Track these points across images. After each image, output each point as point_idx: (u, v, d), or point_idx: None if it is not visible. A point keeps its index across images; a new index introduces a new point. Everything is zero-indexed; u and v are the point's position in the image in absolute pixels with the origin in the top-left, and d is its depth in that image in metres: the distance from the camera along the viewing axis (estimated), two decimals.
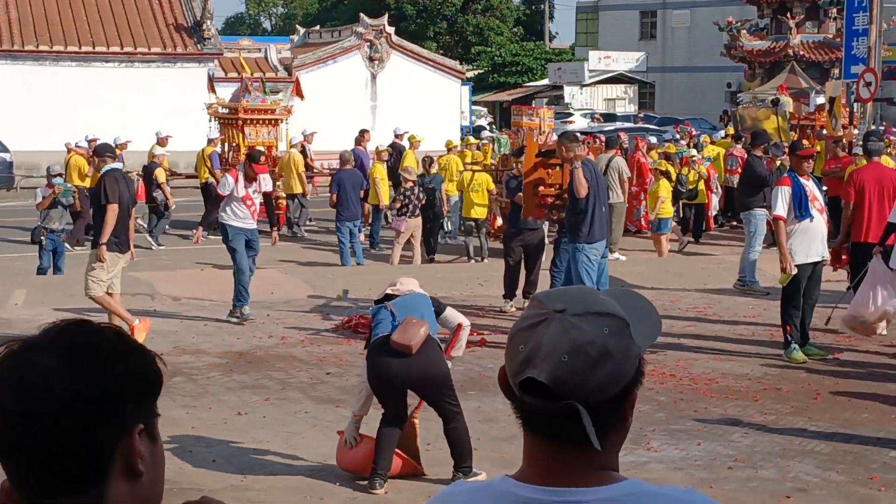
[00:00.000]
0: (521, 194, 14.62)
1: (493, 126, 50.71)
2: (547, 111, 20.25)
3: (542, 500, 1.95)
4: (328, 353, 12.27)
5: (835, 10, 44.02)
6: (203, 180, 23.34)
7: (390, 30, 41.38)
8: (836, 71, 37.67)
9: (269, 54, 39.54)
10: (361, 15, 42.59)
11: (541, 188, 13.79)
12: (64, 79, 36.01)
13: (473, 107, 55.42)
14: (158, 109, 35.64)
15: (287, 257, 19.77)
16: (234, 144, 23.05)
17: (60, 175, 18.93)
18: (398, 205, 18.61)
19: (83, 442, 1.77)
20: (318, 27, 49.71)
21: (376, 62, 40.45)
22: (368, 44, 40.35)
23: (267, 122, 23.32)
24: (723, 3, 56.59)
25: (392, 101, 39.10)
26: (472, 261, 19.14)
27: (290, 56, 40.23)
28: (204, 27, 38.06)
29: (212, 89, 26.42)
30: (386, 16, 43.63)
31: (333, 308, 14.91)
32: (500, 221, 18.98)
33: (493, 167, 22.09)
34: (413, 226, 18.55)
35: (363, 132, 25.00)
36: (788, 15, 44.84)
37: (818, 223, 11.82)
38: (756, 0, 46.30)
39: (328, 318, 14.19)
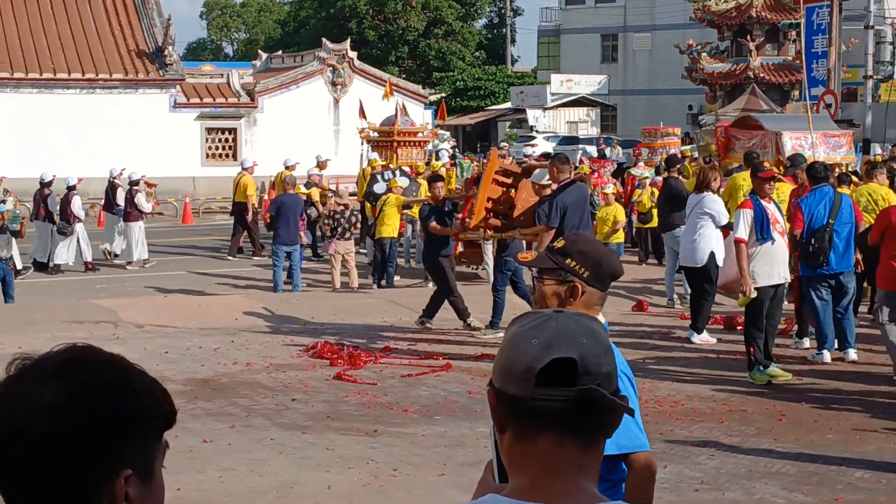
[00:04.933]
0: (434, 224, 14.91)
1: (457, 150, 50.80)
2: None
3: None
4: (293, 380, 12.21)
5: (794, 33, 44.47)
6: (361, 199, 24.11)
7: (353, 55, 41.42)
8: (797, 93, 38.00)
9: (232, 80, 39.49)
10: (324, 40, 42.60)
11: (490, 204, 13.94)
12: (25, 105, 35.76)
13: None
14: (120, 135, 35.53)
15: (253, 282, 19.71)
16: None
17: (4, 202, 18.91)
18: (327, 228, 18.87)
19: (67, 484, 1.72)
20: (280, 52, 49.65)
21: (339, 87, 40.47)
22: (331, 69, 40.38)
23: (415, 143, 24.82)
24: (683, 27, 56.95)
25: (355, 126, 39.00)
26: (430, 285, 19.12)
27: (252, 81, 40.19)
28: (166, 53, 37.95)
29: (362, 114, 26.87)
30: (348, 41, 43.66)
31: (298, 334, 14.86)
32: (461, 248, 18.92)
33: (457, 191, 22.06)
34: (343, 248, 18.84)
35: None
36: (748, 37, 45.23)
37: (780, 246, 11.89)
38: (716, 23, 46.68)
39: (293, 344, 14.14)
